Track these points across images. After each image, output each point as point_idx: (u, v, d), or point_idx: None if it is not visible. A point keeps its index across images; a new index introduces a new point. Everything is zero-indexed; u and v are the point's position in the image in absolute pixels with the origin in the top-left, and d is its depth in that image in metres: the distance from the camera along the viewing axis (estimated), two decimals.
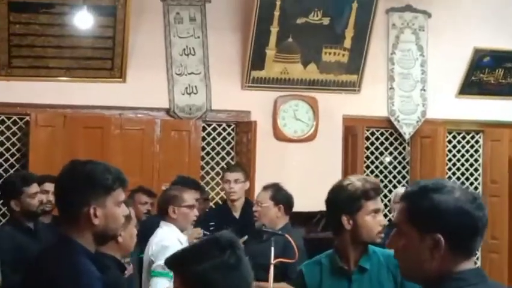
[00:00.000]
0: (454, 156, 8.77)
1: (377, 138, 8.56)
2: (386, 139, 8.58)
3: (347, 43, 7.95)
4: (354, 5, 7.76)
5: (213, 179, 7.98)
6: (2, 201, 7.10)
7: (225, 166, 7.96)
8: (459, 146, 8.80)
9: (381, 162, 8.61)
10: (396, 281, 3.21)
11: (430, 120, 8.46)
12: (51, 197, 5.06)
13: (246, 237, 5.40)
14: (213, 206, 7.31)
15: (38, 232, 4.95)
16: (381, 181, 8.28)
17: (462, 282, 1.97)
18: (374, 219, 3.25)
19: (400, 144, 8.59)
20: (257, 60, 7.77)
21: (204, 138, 7.89)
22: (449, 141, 8.71)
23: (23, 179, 4.98)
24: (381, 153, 8.60)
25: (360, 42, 7.96)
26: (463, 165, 8.80)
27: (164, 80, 7.69)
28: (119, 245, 3.71)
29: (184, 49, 7.73)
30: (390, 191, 8.18)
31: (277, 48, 7.75)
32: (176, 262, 2.18)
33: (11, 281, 4.47)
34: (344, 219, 3.23)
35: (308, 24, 7.73)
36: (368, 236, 3.25)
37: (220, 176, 7.92)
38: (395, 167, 8.62)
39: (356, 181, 3.28)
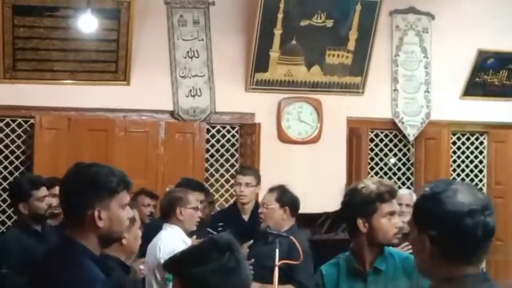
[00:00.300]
0: (459, 157, 8.77)
1: (381, 140, 8.56)
2: (391, 141, 8.58)
3: (351, 45, 7.95)
4: (358, 7, 7.77)
5: (217, 181, 7.98)
6: (7, 203, 7.18)
7: (229, 168, 7.98)
8: (463, 148, 8.80)
9: (386, 164, 8.60)
10: (412, 284, 3.22)
11: (434, 122, 8.46)
12: None
13: (251, 241, 5.41)
14: (218, 208, 7.30)
15: (46, 235, 4.95)
16: None
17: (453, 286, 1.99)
18: (389, 222, 3.26)
19: (404, 145, 8.59)
20: (261, 62, 7.78)
21: (208, 141, 7.89)
22: (454, 143, 8.71)
23: (32, 182, 4.98)
24: (386, 155, 8.60)
25: (364, 44, 7.97)
26: (467, 166, 8.80)
27: (169, 83, 7.70)
28: (124, 247, 3.72)
29: (188, 52, 7.74)
30: None
31: (281, 50, 7.76)
32: (175, 265, 2.19)
33: (17, 283, 4.48)
34: (360, 222, 3.25)
35: (312, 27, 7.74)
36: (383, 238, 3.27)
37: (225, 178, 7.98)
38: (399, 169, 8.62)
39: (370, 184, 3.29)
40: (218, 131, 7.99)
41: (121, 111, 7.62)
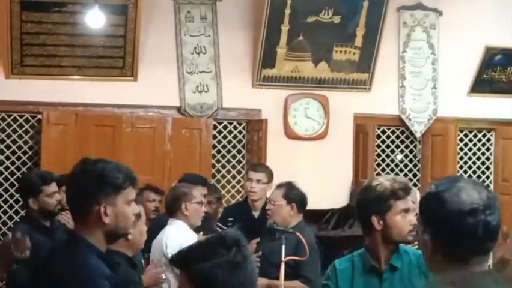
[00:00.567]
0: (466, 154, 8.76)
1: (388, 137, 8.55)
2: (397, 137, 8.57)
3: (358, 41, 7.94)
4: (365, 4, 7.75)
5: (223, 177, 7.99)
6: (14, 198, 7.20)
7: (235, 164, 7.99)
8: (470, 144, 8.79)
9: (393, 161, 8.59)
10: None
11: (441, 119, 8.44)
12: None
13: (258, 239, 5.41)
14: (225, 205, 7.31)
15: (54, 230, 4.97)
16: None
17: (445, 285, 2.00)
18: (404, 219, 3.25)
19: (411, 142, 8.58)
20: (268, 58, 7.77)
21: (214, 137, 7.90)
22: (461, 140, 8.69)
23: (42, 178, 4.99)
24: (393, 152, 8.59)
25: (371, 40, 7.96)
26: (474, 163, 8.78)
27: (176, 79, 7.71)
28: (130, 243, 3.74)
29: (195, 47, 7.75)
30: None
31: (288, 46, 7.75)
32: (182, 259, 2.20)
33: (26, 279, 4.49)
34: (374, 219, 3.24)
35: (319, 23, 7.73)
36: (398, 235, 3.26)
37: (231, 174, 7.99)
38: (406, 165, 8.61)
39: (384, 181, 3.28)
40: (225, 127, 8.00)
41: (128, 107, 7.63)
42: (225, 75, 7.79)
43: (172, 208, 5.10)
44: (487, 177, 8.77)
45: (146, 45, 7.53)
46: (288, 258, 4.67)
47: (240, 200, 7.52)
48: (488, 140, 8.83)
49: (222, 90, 7.80)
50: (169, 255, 4.66)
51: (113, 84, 7.53)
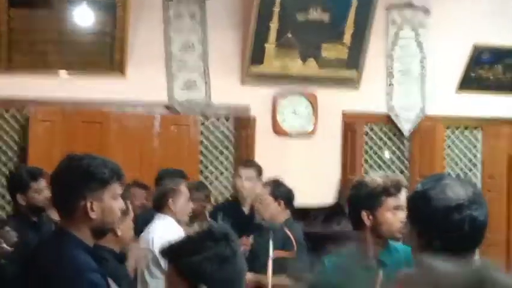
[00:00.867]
0: (453, 152, 8.78)
1: (376, 134, 8.57)
2: (385, 135, 8.59)
3: (347, 39, 7.95)
4: (354, 2, 7.76)
5: (211, 173, 7.98)
6: (3, 194, 7.17)
7: (223, 161, 7.98)
8: (458, 142, 8.82)
9: (381, 158, 8.61)
10: None
11: (429, 116, 8.47)
12: None
13: (251, 236, 5.41)
14: (213, 201, 7.30)
15: (43, 226, 4.96)
16: None
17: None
18: (394, 216, 3.26)
19: (399, 140, 8.60)
20: (256, 55, 7.77)
21: (203, 133, 7.89)
22: (448, 137, 8.73)
23: (31, 174, 4.99)
24: (380, 149, 8.60)
25: (360, 38, 7.96)
26: (461, 161, 8.81)
27: (164, 76, 7.70)
28: (118, 238, 3.74)
29: (184, 45, 7.74)
30: None
31: (277, 43, 7.75)
32: (171, 252, 2.21)
33: (11, 273, 4.48)
34: (364, 214, 3.25)
35: (308, 20, 7.73)
36: (388, 231, 3.27)
37: (219, 171, 7.97)
38: (394, 163, 8.63)
39: (377, 178, 3.30)
40: (213, 124, 7.99)
41: (116, 104, 7.61)
42: (213, 72, 7.78)
43: (159, 204, 5.10)
44: (474, 175, 8.80)
45: (134, 42, 7.50)
46: (276, 255, 4.67)
47: (228, 196, 7.53)
48: (476, 137, 8.86)
49: (211, 87, 7.79)
50: (156, 251, 4.69)
51: (101, 81, 7.50)
